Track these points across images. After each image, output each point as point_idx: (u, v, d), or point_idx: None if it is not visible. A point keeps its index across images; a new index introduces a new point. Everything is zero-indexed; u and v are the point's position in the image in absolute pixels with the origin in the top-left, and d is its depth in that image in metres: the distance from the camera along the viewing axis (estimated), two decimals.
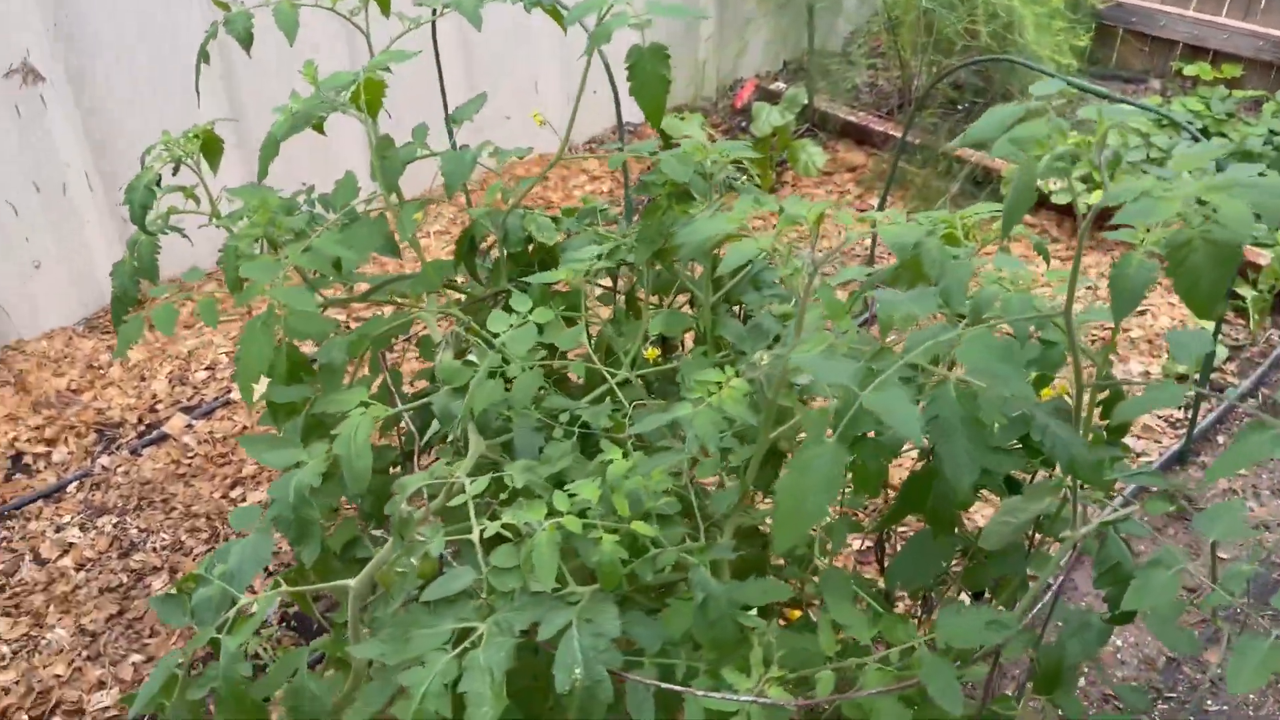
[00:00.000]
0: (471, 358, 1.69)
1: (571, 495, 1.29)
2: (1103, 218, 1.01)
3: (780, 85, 5.13)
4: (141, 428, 3.40)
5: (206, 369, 3.65)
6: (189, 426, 3.39)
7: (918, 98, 3.05)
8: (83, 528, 3.05)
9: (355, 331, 1.87)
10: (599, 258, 1.94)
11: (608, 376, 1.74)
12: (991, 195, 4.21)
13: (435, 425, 1.78)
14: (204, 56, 1.88)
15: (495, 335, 1.49)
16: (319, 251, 1.61)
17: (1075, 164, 0.98)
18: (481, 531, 1.30)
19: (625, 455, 1.50)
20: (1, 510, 3.09)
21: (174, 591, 1.54)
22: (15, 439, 3.33)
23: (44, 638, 2.74)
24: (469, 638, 1.25)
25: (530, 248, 1.95)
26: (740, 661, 1.26)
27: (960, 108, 4.78)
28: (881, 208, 3.72)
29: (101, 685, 2.63)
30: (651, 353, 1.55)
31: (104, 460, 3.26)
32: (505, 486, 1.49)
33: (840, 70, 4.94)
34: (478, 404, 1.57)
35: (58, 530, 3.04)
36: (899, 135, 4.57)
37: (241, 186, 1.96)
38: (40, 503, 3.13)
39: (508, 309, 1.54)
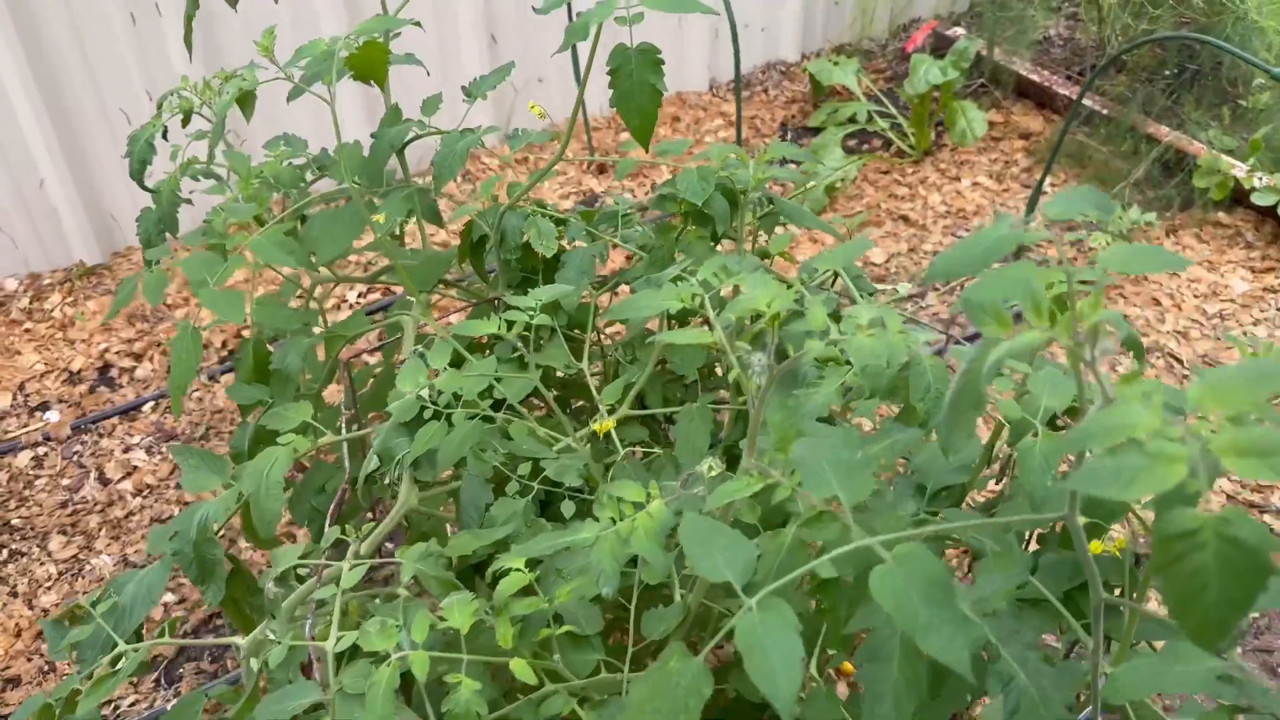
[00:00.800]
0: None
1: (439, 620, 1.05)
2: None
3: (960, 30, 4.58)
4: (224, 352, 3.37)
5: (298, 297, 3.57)
6: None
7: (1098, 66, 2.57)
8: (149, 451, 3.04)
9: (327, 331, 1.67)
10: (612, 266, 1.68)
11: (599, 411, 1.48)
12: (1180, 186, 3.63)
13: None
14: (194, 3, 1.68)
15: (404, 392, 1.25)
16: (262, 250, 1.40)
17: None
18: (337, 640, 1.09)
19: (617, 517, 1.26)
20: (81, 423, 3.12)
21: (63, 620, 1.40)
22: (106, 350, 3.36)
23: (90, 563, 2.74)
24: None
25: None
26: None
27: (1165, 74, 4.14)
28: (1039, 190, 3.24)
29: None
30: (604, 425, 1.28)
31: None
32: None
33: (1032, 18, 4.35)
34: (414, 451, 1.35)
35: (126, 450, 3.05)
36: (1087, 100, 4.00)
37: (232, 151, 1.78)
38: (116, 418, 3.14)
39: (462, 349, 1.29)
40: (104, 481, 2.96)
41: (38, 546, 2.78)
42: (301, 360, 1.56)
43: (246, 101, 1.94)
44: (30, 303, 3.49)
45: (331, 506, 1.37)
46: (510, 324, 1.27)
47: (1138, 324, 3.27)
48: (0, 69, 3.21)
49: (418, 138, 1.65)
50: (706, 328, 1.07)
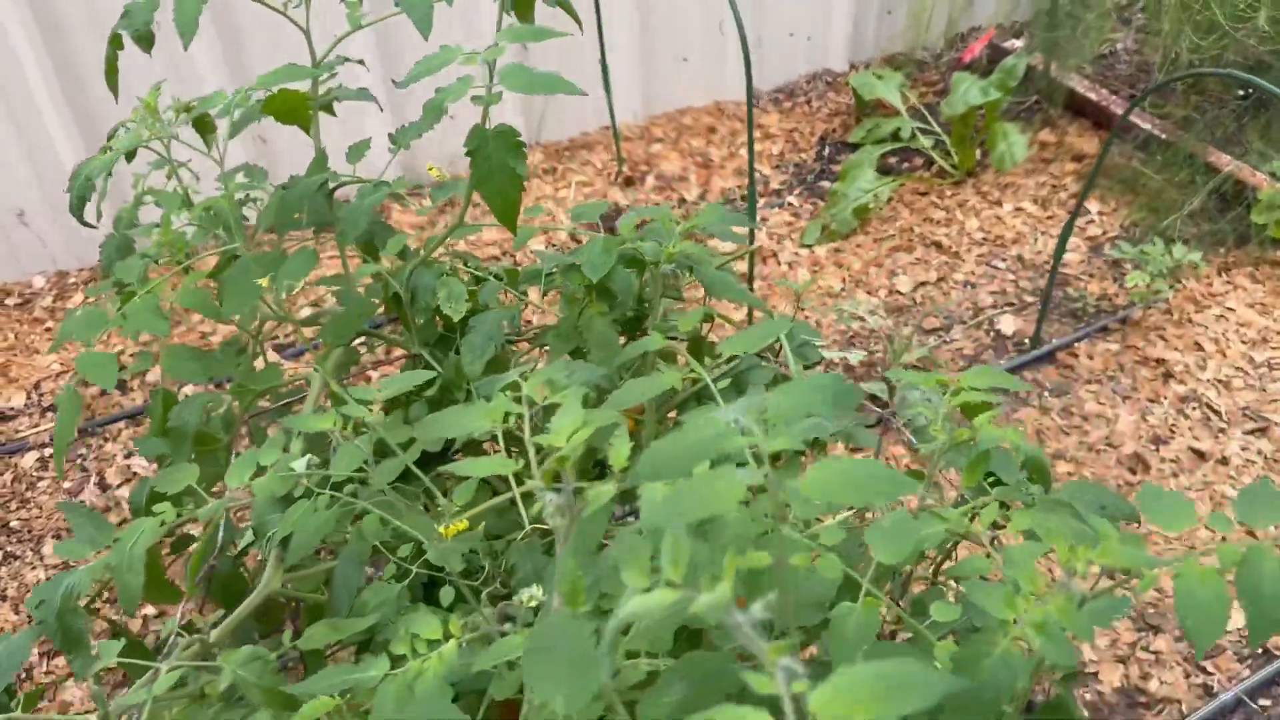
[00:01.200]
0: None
1: None
2: None
3: (1018, 43, 4.36)
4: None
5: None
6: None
7: (1144, 91, 2.40)
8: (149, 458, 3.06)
9: (236, 384, 1.63)
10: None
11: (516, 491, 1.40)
12: (1237, 221, 3.39)
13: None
14: (116, 43, 1.64)
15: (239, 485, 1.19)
16: (136, 316, 1.36)
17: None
18: None
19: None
20: (88, 426, 3.16)
21: None
22: (121, 353, 3.39)
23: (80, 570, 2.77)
24: None
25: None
26: None
27: (1235, 96, 3.87)
28: (1075, 215, 3.05)
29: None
30: (451, 529, 1.20)
31: (189, 389, 3.26)
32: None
33: (1087, 30, 4.11)
34: (281, 531, 1.29)
35: (128, 456, 3.08)
36: (1145, 123, 3.77)
37: (166, 191, 1.75)
38: (123, 423, 3.18)
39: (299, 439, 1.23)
40: (103, 487, 2.99)
41: (31, 550, 2.83)
42: (196, 416, 1.52)
43: (207, 128, 1.91)
44: (54, 301, 3.56)
45: (197, 581, 1.33)
46: (348, 420, 1.21)
47: (1175, 369, 3.06)
48: (26, 70, 3.26)
49: (338, 187, 1.58)
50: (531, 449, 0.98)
